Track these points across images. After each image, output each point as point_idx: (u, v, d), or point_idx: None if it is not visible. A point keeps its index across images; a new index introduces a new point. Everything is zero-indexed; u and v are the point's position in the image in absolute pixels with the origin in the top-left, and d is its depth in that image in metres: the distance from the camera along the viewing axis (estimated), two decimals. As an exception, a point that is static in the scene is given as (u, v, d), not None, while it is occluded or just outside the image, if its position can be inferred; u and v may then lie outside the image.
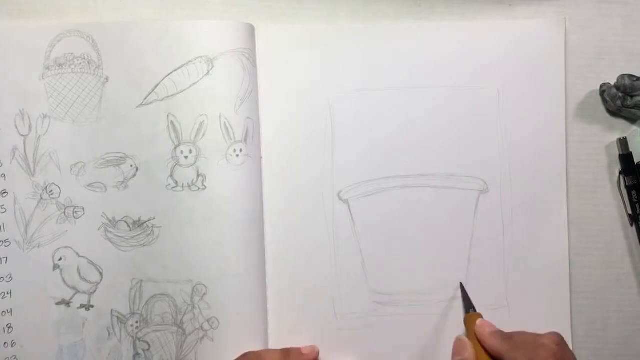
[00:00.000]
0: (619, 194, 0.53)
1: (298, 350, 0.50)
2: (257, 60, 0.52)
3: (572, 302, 0.53)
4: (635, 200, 0.53)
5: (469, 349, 0.47)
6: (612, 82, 0.53)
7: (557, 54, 0.53)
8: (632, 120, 0.54)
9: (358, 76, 0.52)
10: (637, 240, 0.53)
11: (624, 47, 0.54)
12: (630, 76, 0.52)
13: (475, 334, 0.48)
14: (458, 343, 0.49)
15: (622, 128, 0.54)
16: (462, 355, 0.48)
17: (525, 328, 0.47)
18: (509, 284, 0.52)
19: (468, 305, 0.51)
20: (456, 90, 0.53)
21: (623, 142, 0.53)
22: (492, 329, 0.48)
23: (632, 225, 0.53)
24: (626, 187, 0.53)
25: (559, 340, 0.45)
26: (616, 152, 0.53)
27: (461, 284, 0.52)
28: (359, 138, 0.52)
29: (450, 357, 0.49)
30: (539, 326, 0.47)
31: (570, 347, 0.50)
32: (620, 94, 0.52)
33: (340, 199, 0.52)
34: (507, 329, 0.48)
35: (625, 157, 0.53)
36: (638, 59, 0.54)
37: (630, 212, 0.53)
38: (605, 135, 0.54)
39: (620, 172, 0.53)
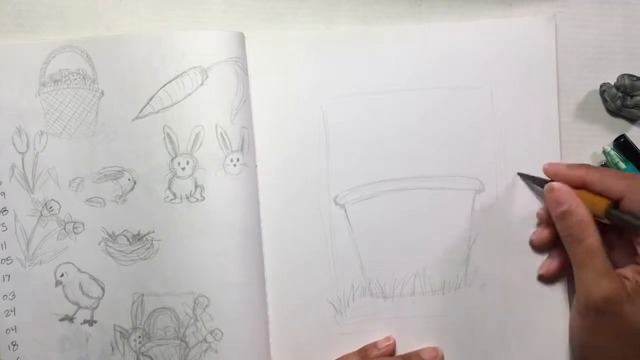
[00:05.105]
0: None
1: (373, 345, 0.50)
2: (248, 68, 0.51)
3: (571, 301, 0.51)
4: None
5: (574, 195, 0.45)
6: (612, 82, 0.52)
7: (547, 51, 0.52)
8: (631, 120, 0.53)
9: (350, 80, 0.52)
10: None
11: (624, 47, 0.53)
12: (630, 76, 0.52)
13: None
14: (555, 193, 0.46)
15: (622, 128, 0.53)
16: (568, 203, 0.45)
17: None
18: (508, 283, 0.51)
19: (540, 182, 0.49)
20: (449, 91, 0.52)
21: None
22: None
23: None
24: None
25: None
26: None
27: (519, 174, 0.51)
28: (353, 142, 0.52)
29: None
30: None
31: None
32: (620, 94, 0.52)
33: (336, 204, 0.52)
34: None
35: None
36: (638, 59, 0.53)
37: None
38: (606, 135, 0.53)
39: None
